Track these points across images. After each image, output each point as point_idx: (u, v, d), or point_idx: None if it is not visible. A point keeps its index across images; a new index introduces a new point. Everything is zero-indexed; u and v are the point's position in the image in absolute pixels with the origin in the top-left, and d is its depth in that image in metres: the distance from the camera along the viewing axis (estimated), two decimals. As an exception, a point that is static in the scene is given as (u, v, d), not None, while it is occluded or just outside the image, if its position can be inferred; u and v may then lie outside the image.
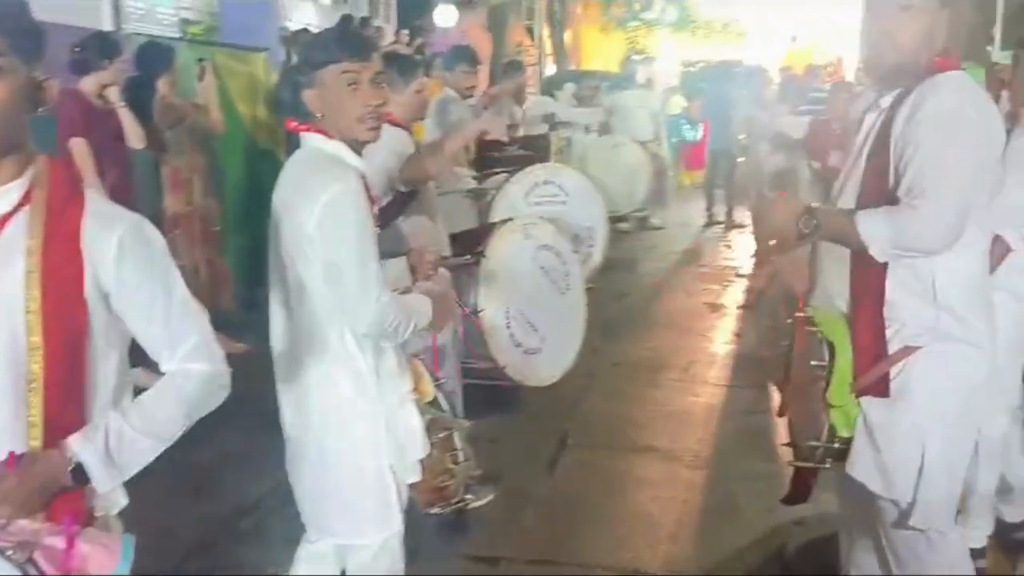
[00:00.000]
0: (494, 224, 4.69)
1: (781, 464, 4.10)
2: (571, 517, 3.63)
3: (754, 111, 8.09)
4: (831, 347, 2.22)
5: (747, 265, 8.23)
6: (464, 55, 5.20)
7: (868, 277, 2.16)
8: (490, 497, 3.35)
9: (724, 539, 3.46)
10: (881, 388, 2.18)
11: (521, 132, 6.64)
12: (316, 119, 2.10)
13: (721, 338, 6.13)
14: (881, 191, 2.14)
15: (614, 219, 9.29)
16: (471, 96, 5.22)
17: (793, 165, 6.23)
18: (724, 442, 4.40)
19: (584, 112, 8.85)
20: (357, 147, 2.12)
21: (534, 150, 6.25)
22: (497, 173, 5.67)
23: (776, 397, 4.60)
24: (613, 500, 3.80)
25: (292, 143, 2.32)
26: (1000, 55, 14.51)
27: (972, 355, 2.17)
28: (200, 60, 5.58)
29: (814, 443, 2.25)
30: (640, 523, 3.60)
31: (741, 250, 9.02)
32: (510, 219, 4.67)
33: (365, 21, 13.04)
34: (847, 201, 2.25)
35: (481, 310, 4.20)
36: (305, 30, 7.88)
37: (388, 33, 14.21)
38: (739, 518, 3.60)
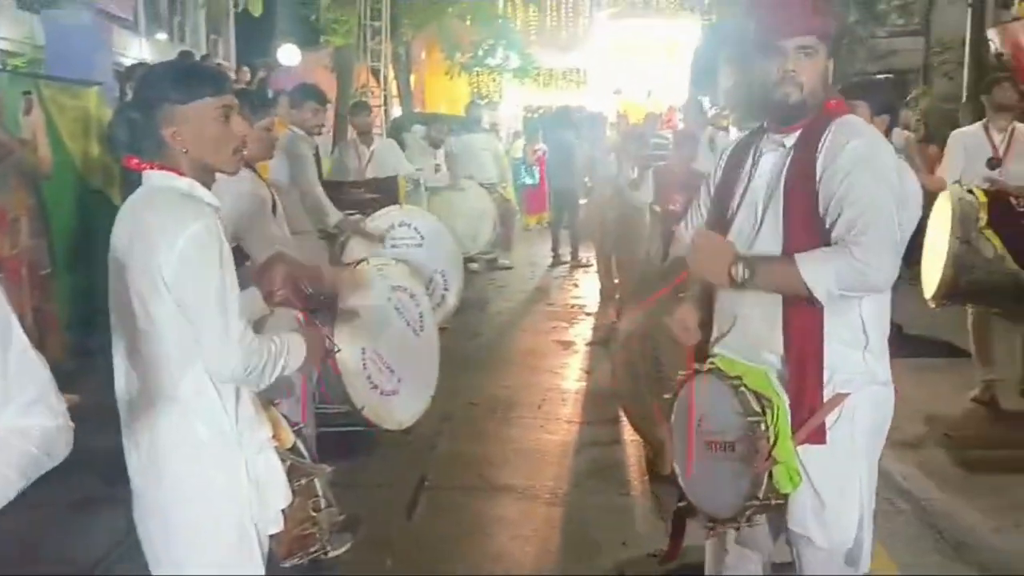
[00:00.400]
0: (348, 264, 4.69)
1: (634, 497, 4.24)
2: (431, 560, 3.59)
3: (596, 154, 8.39)
4: (759, 399, 2.16)
5: (594, 303, 8.48)
6: (312, 93, 5.17)
7: (805, 327, 2.16)
8: (348, 545, 3.25)
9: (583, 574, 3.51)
10: (819, 436, 2.18)
11: (369, 174, 6.62)
12: (162, 156, 2.00)
13: (572, 375, 6.26)
14: (809, 232, 2.15)
15: (464, 259, 9.39)
16: (319, 134, 5.16)
17: (637, 207, 6.48)
18: (579, 478, 4.47)
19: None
20: (208, 184, 2.05)
21: (383, 193, 6.23)
22: (351, 214, 5.60)
23: (627, 430, 4.80)
24: (472, 541, 3.78)
25: (127, 182, 2.20)
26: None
27: (889, 395, 2.29)
28: (26, 93, 5.24)
29: (754, 502, 2.15)
30: (500, 563, 3.59)
31: (588, 288, 9.28)
32: (364, 259, 4.64)
33: (204, 59, 12.73)
34: (765, 241, 2.22)
35: (337, 350, 4.10)
36: (143, 64, 7.57)
37: (228, 71, 13.91)
38: (596, 553, 3.65)
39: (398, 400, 4.47)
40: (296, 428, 2.26)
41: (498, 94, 24.56)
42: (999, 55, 16.54)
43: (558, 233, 10.88)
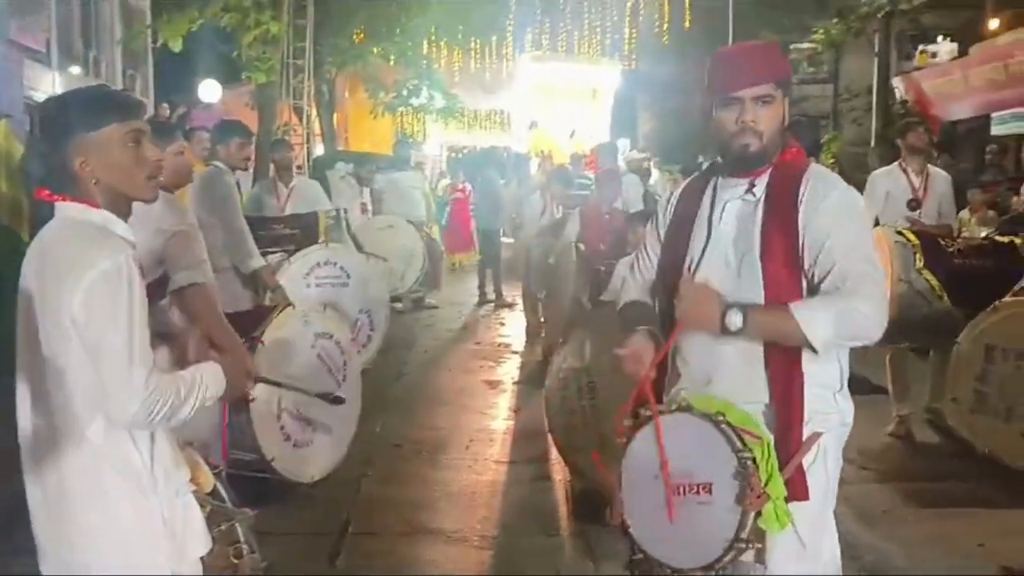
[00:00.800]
0: (273, 308, 4.45)
1: (563, 536, 4.19)
2: (357, 609, 3.46)
3: (522, 194, 8.45)
4: (741, 439, 2.07)
5: (520, 341, 8.47)
6: (237, 128, 5.08)
7: (790, 371, 2.15)
8: (270, 594, 3.12)
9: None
10: (801, 486, 2.14)
11: (288, 210, 6.50)
12: (74, 188, 1.91)
13: (500, 414, 6.20)
14: (791, 280, 2.15)
15: (390, 299, 9.29)
16: (246, 168, 5.06)
17: (562, 247, 6.51)
18: (508, 519, 4.40)
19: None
20: (124, 215, 1.96)
21: (302, 229, 6.10)
22: (272, 251, 5.45)
23: (556, 467, 4.77)
24: (400, 587, 3.67)
25: (39, 218, 2.09)
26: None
27: (847, 433, 2.30)
28: (-73, 126, 5.01)
29: (737, 545, 2.05)
30: (429, 609, 3.49)
31: (514, 327, 9.27)
32: (289, 304, 4.47)
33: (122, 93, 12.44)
34: (744, 288, 2.16)
35: (252, 399, 3.93)
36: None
37: (147, 107, 13.59)
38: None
39: (311, 452, 4.33)
40: (216, 471, 2.16)
41: (422, 134, 24.66)
42: (904, 102, 17.42)
43: (484, 272, 10.87)
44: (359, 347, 5.72)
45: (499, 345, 8.48)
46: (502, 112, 25.36)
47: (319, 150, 16.60)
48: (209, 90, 13.78)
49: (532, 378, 7.03)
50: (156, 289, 3.13)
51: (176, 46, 11.43)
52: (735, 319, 2.07)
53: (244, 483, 3.59)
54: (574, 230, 6.63)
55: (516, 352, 8.09)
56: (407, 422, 5.84)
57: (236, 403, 3.67)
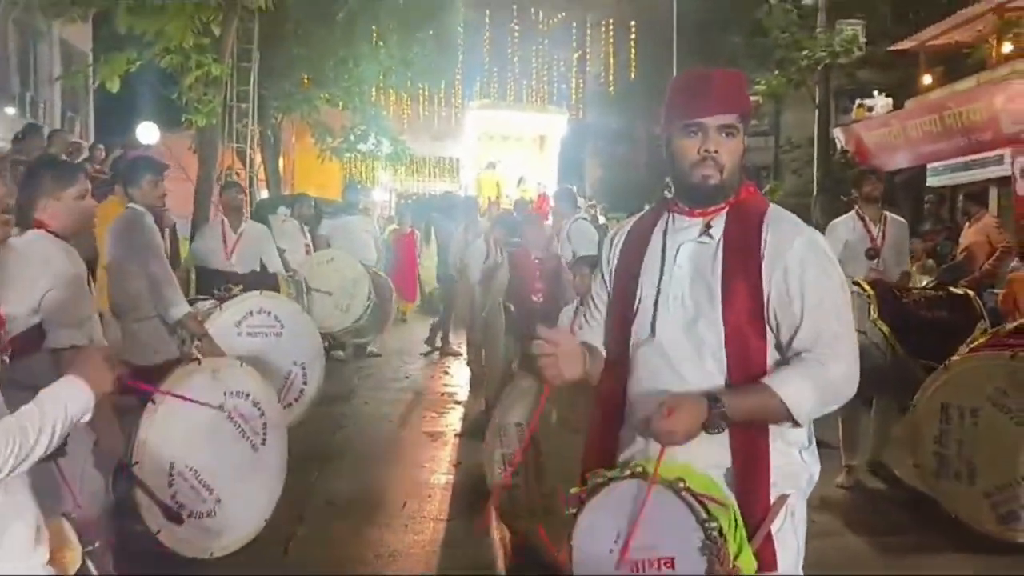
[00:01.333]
0: (181, 360, 4.09)
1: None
2: None
3: (467, 241, 8.29)
4: (705, 507, 1.89)
5: (464, 391, 8.26)
6: (148, 164, 4.78)
7: (752, 432, 2.00)
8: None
9: None
10: (769, 557, 1.99)
11: (235, 259, 6.29)
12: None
13: (440, 468, 5.96)
14: (755, 327, 2.01)
15: (331, 347, 9.00)
16: (162, 206, 4.76)
17: (492, 304, 6.35)
18: (447, 580, 4.17)
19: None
20: None
21: (260, 290, 5.85)
22: (204, 299, 5.18)
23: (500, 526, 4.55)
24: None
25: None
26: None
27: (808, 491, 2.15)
28: None
29: None
30: None
31: (459, 376, 9.05)
32: (196, 358, 4.08)
33: (56, 133, 12.07)
34: (703, 336, 2.01)
35: (135, 463, 3.52)
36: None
37: (83, 148, 13.23)
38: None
39: (213, 523, 3.86)
40: (88, 549, 1.91)
41: (370, 179, 24.52)
42: (844, 152, 17.85)
43: (446, 320, 10.57)
44: (291, 400, 5.46)
45: (442, 395, 8.25)
46: (450, 159, 25.43)
47: (264, 195, 16.33)
48: (146, 132, 13.47)
49: (475, 429, 6.80)
50: (30, 340, 2.87)
51: (113, 86, 11.13)
52: (719, 422, 1.92)
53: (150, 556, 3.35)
54: (505, 276, 6.48)
55: (460, 402, 7.88)
56: (342, 478, 5.58)
57: (118, 469, 3.36)
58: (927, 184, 17.12)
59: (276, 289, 6.55)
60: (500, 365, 5.63)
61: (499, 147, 17.86)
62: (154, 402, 3.48)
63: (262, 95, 16.07)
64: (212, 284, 5.79)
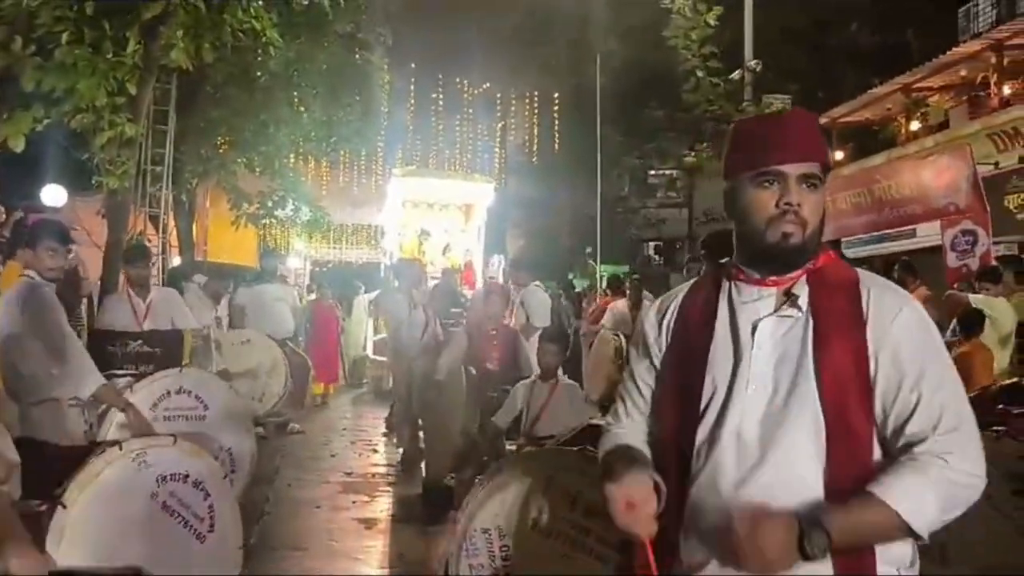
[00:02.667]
0: (95, 446, 3.42)
1: None
2: None
3: (403, 311, 7.88)
4: None
5: (395, 471, 7.76)
6: (52, 229, 4.30)
7: (859, 562, 1.66)
8: None
9: None
10: None
11: (147, 326, 5.68)
12: None
13: (376, 560, 5.45)
14: (862, 415, 1.68)
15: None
16: (55, 279, 4.24)
17: (451, 370, 5.92)
18: None
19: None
20: None
21: (165, 347, 5.28)
22: (117, 375, 4.56)
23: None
24: None
25: None
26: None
27: None
28: None
29: None
30: None
31: (387, 454, 8.54)
32: (116, 441, 3.41)
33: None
34: (795, 428, 1.68)
35: None
36: None
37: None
38: None
39: None
40: None
41: (285, 247, 23.89)
42: None
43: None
44: None
45: (372, 476, 7.71)
46: (370, 226, 25.03)
47: (176, 261, 15.59)
48: (53, 195, 12.71)
49: (412, 515, 6.34)
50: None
51: (18, 146, 10.37)
52: (819, 542, 1.57)
53: None
54: (460, 349, 6.11)
55: (392, 484, 7.36)
56: (265, 573, 5.01)
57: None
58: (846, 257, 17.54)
59: (180, 345, 5.91)
60: (452, 444, 5.20)
61: (424, 215, 17.53)
62: (63, 505, 2.88)
63: (177, 158, 15.45)
64: (109, 345, 5.15)
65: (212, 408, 4.79)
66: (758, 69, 12.16)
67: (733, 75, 11.95)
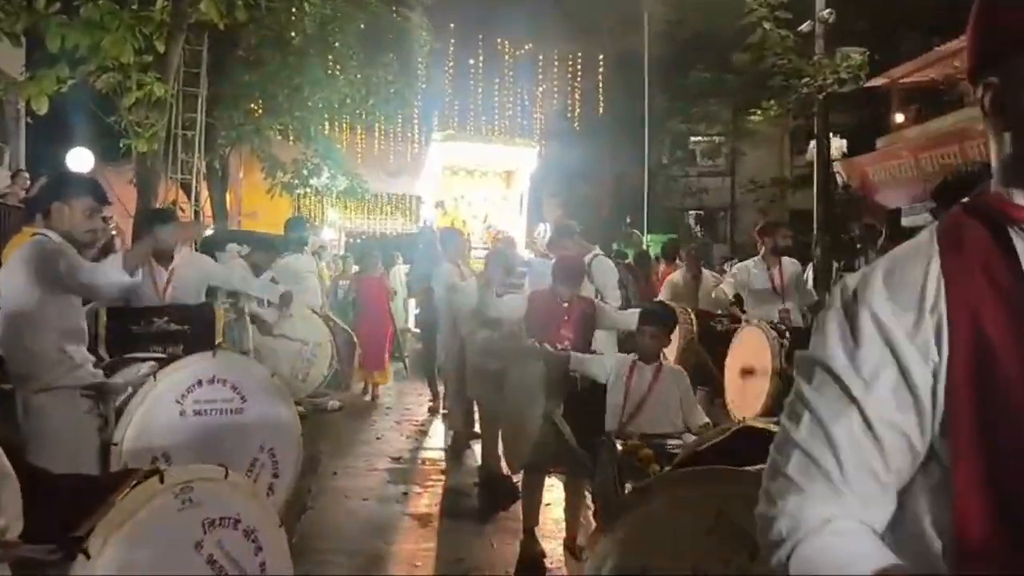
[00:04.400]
0: (127, 475, 2.41)
1: None
2: None
3: (452, 282, 7.20)
4: None
5: (447, 456, 7.14)
6: (90, 185, 3.67)
7: None
8: None
9: None
10: None
11: (169, 299, 4.98)
12: None
13: (432, 566, 4.81)
14: None
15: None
16: (91, 242, 3.59)
17: (520, 347, 5.15)
18: None
19: (266, 286, 6.88)
20: None
21: (192, 324, 4.61)
22: (139, 360, 3.84)
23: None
24: None
25: None
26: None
27: None
28: None
29: None
30: None
31: (436, 436, 7.91)
32: (155, 470, 2.37)
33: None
34: None
35: None
36: None
37: (2, 177, 11.93)
38: None
39: None
40: None
41: (321, 217, 23.32)
42: (846, 187, 17.21)
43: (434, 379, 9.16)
44: None
45: (423, 462, 7.08)
46: (406, 196, 24.37)
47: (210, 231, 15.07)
48: (79, 159, 12.19)
49: (468, 510, 5.71)
50: None
51: (41, 107, 9.82)
52: None
53: None
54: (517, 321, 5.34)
55: (444, 472, 6.72)
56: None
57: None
58: (902, 225, 16.59)
59: (211, 320, 5.22)
60: (525, 435, 4.49)
61: (463, 182, 16.78)
62: (87, 555, 2.05)
63: (210, 124, 14.91)
64: (130, 325, 4.50)
65: (251, 399, 3.98)
66: (831, 19, 11.22)
67: (803, 27, 11.03)
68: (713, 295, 7.78)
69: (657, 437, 3.58)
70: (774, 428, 2.66)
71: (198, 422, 3.73)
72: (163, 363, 3.71)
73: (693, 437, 3.59)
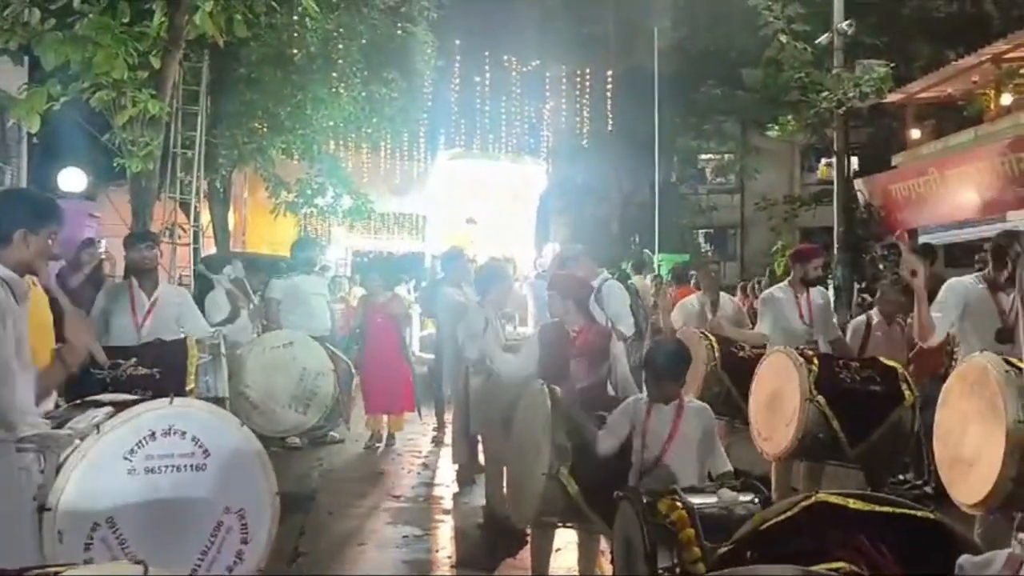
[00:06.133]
0: None
1: None
2: None
3: (457, 306, 6.79)
4: None
5: (449, 492, 6.70)
6: (49, 209, 3.24)
7: None
8: None
9: None
10: None
11: (147, 331, 4.56)
12: None
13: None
14: None
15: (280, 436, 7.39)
16: (34, 273, 3.13)
17: (529, 391, 4.69)
18: None
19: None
20: None
21: (164, 366, 4.16)
22: (98, 404, 3.33)
23: None
24: None
25: None
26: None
27: None
28: None
29: None
30: None
31: (441, 469, 7.47)
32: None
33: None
34: None
35: None
36: None
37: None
38: None
39: None
40: None
41: (326, 236, 22.96)
42: (868, 205, 16.74)
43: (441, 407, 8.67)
44: (222, 572, 3.26)
45: (424, 500, 6.62)
46: (412, 215, 24.02)
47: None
48: (71, 179, 11.84)
49: (474, 556, 5.27)
50: None
51: (32, 126, 9.51)
52: None
53: None
54: (532, 356, 4.90)
55: (447, 511, 6.28)
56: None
57: None
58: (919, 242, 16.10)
59: (184, 357, 4.76)
60: (532, 488, 4.02)
61: (470, 202, 16.43)
62: None
63: (211, 143, 14.58)
64: (95, 368, 3.97)
65: (216, 453, 3.33)
66: (851, 31, 10.82)
67: (820, 39, 10.63)
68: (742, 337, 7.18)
69: (685, 492, 3.13)
70: (852, 504, 2.23)
71: (150, 481, 3.17)
72: (117, 406, 3.23)
73: (731, 494, 3.14)
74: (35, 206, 3.12)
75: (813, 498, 2.25)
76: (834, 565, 1.80)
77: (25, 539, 2.82)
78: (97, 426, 3.03)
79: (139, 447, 3.11)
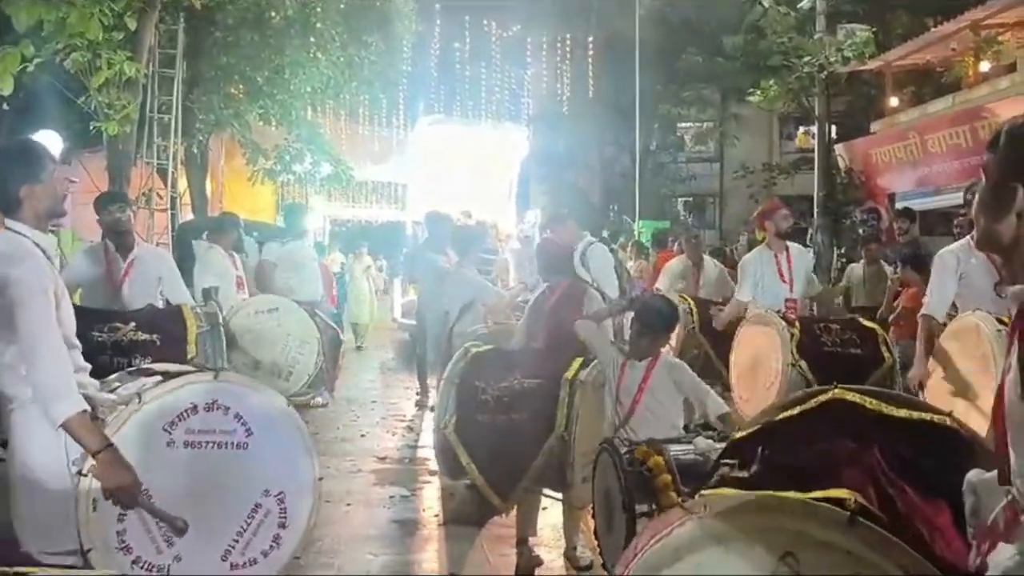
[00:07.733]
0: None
1: None
2: None
3: (440, 271, 6.79)
4: None
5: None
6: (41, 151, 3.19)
7: None
8: None
9: None
10: None
11: (126, 291, 4.51)
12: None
13: (426, 576, 4.41)
14: None
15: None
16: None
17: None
18: None
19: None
20: None
21: (161, 332, 4.10)
22: (150, 373, 3.21)
23: None
24: None
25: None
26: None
27: None
28: None
29: None
30: None
31: (429, 434, 7.51)
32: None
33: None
34: None
35: None
36: None
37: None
38: None
39: None
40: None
41: (304, 203, 22.76)
42: (849, 171, 16.82)
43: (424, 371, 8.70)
44: (253, 556, 3.16)
45: (410, 461, 6.67)
46: (391, 184, 23.84)
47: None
48: (46, 143, 11.62)
49: (461, 514, 5.30)
50: None
51: (5, 88, 9.33)
52: None
53: None
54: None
55: (433, 472, 6.32)
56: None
57: None
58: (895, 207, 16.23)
59: (183, 326, 4.71)
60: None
61: (449, 168, 16.32)
62: None
63: (187, 108, 14.37)
64: (89, 330, 3.92)
65: (260, 433, 3.20)
66: (834, -5, 10.81)
67: (802, 4, 10.61)
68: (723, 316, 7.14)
69: (661, 441, 3.16)
70: (871, 403, 2.22)
71: (190, 455, 3.08)
72: (133, 375, 3.16)
73: (707, 442, 3.18)
74: (23, 155, 3.02)
75: (830, 393, 2.25)
76: (841, 494, 1.80)
77: (63, 502, 2.79)
78: (139, 394, 2.96)
79: (180, 420, 3.03)
